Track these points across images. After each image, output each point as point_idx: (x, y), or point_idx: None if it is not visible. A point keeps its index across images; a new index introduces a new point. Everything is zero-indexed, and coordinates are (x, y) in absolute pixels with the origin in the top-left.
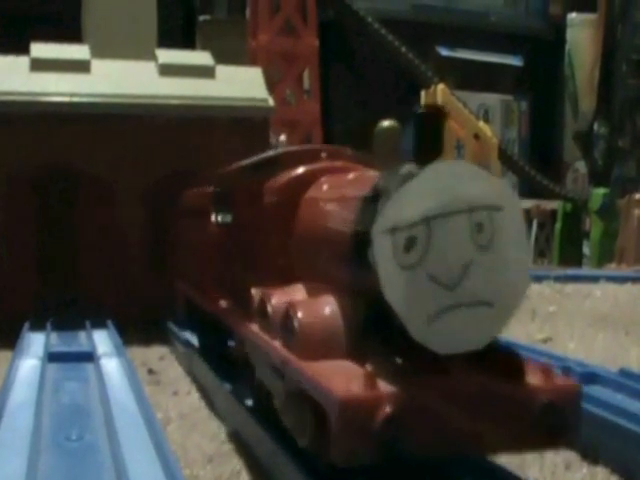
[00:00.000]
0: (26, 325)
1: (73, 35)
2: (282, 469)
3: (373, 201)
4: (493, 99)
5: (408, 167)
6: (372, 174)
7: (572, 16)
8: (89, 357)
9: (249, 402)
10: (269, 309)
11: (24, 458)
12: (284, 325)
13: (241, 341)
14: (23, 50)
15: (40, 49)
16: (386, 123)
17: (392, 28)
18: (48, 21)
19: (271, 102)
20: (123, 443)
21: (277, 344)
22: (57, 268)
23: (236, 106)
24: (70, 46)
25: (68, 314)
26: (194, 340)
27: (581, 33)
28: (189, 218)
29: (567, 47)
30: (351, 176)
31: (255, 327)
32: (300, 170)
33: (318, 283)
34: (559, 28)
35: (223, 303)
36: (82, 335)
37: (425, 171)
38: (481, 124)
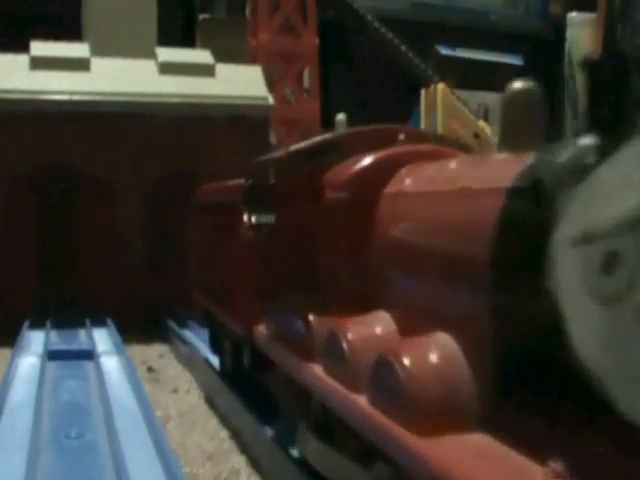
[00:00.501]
0: (26, 323)
1: (73, 35)
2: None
3: (533, 196)
4: (493, 98)
5: (586, 143)
6: (500, 158)
7: (572, 15)
8: (89, 355)
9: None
10: (345, 347)
11: (24, 456)
12: (378, 376)
13: (290, 380)
14: (23, 50)
15: (40, 47)
16: (519, 85)
17: (392, 27)
18: (48, 21)
19: (271, 100)
20: (123, 441)
21: (363, 402)
22: (57, 268)
23: (236, 104)
24: (70, 44)
25: (68, 314)
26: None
27: (581, 32)
28: (210, 218)
29: (567, 46)
30: (457, 163)
31: (318, 369)
32: (375, 156)
33: (414, 312)
34: (559, 27)
35: (263, 329)
36: (82, 333)
37: (629, 148)
38: (481, 123)
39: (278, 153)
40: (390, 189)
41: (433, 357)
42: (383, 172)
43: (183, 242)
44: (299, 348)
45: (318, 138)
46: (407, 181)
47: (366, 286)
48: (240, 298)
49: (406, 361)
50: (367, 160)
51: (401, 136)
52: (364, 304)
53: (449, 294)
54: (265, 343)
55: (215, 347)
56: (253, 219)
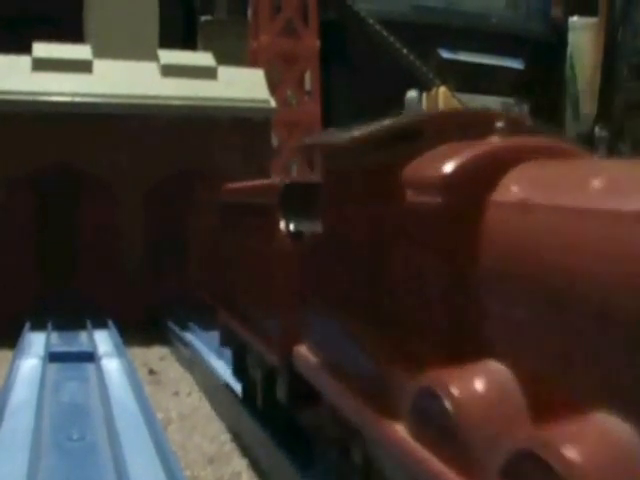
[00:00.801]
0: (27, 325)
1: (74, 37)
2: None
3: None
4: (494, 102)
5: None
6: None
7: (574, 20)
8: (90, 357)
9: None
10: (451, 411)
11: (25, 458)
12: (521, 473)
13: (351, 434)
14: (24, 51)
15: (42, 49)
16: None
17: (393, 30)
18: (49, 22)
19: (273, 103)
20: (124, 444)
21: None
22: (57, 268)
23: (238, 107)
24: (72, 46)
25: (68, 314)
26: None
27: (583, 36)
28: (236, 222)
29: (569, 50)
30: (604, 167)
31: (400, 430)
32: (476, 149)
33: (549, 371)
34: (560, 31)
35: (306, 358)
36: (83, 335)
37: None
38: None
39: (323, 138)
40: (500, 196)
41: (607, 455)
42: (489, 171)
43: (184, 242)
44: (367, 396)
45: (391, 121)
46: (525, 186)
47: (466, 324)
48: (275, 319)
49: (576, 463)
50: (465, 153)
51: (499, 123)
52: (462, 348)
53: (625, 358)
54: (313, 377)
55: (239, 373)
56: (291, 225)
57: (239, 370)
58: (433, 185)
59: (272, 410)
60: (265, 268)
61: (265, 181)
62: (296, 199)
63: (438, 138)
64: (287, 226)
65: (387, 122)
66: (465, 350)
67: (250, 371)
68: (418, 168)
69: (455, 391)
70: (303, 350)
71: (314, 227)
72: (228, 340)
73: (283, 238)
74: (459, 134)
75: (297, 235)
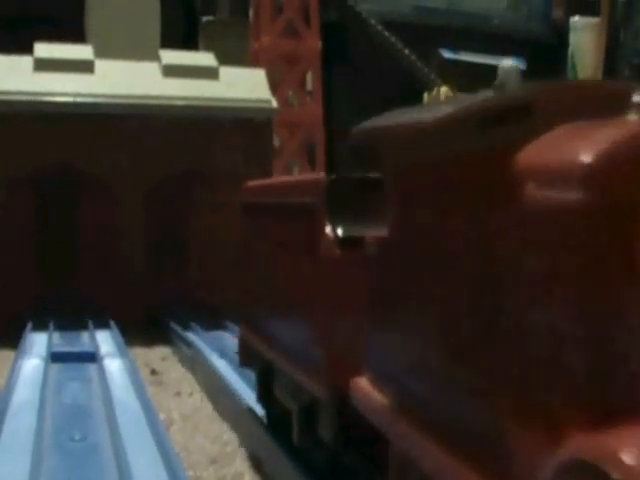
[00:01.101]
0: (29, 325)
1: (74, 36)
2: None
3: None
4: None
5: None
6: None
7: (575, 20)
8: (92, 357)
9: None
10: None
11: (27, 459)
12: None
13: None
14: (24, 51)
15: (44, 49)
16: None
17: (394, 30)
18: (49, 22)
19: (274, 103)
20: (126, 444)
21: None
22: (57, 268)
23: (239, 107)
24: (74, 46)
25: (68, 314)
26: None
27: (584, 37)
28: (263, 226)
29: (570, 50)
30: None
31: None
32: (619, 131)
33: None
34: (562, 31)
35: (379, 398)
36: (85, 335)
37: None
38: None
39: (407, 120)
40: None
41: None
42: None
43: (184, 242)
44: (476, 461)
45: (491, 96)
46: None
47: (621, 372)
48: (321, 343)
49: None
50: (606, 136)
51: (637, 97)
52: (616, 403)
53: None
54: (384, 421)
55: (266, 402)
56: (339, 229)
57: (265, 396)
58: (571, 176)
59: (312, 447)
60: (306, 279)
61: (303, 177)
62: (344, 197)
63: (553, 117)
64: (334, 230)
65: (487, 97)
66: (620, 406)
67: (281, 398)
68: (540, 155)
69: (630, 461)
70: (364, 384)
71: (374, 231)
72: (251, 360)
73: (330, 244)
74: (577, 112)
75: (346, 240)
